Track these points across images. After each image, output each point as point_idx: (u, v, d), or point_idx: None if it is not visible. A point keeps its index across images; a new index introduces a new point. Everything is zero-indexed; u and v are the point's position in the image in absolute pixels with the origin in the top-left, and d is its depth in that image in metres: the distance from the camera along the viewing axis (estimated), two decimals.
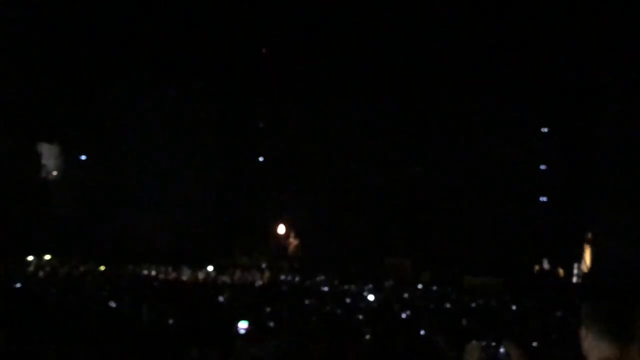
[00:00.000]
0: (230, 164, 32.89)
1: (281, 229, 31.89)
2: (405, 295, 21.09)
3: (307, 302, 15.44)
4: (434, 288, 24.53)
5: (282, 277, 26.63)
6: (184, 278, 24.41)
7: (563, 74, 28.72)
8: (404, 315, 13.23)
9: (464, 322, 12.89)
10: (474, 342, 5.15)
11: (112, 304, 11.68)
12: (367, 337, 9.78)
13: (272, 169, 33.61)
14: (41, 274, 20.65)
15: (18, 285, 15.17)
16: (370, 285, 24.15)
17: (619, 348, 2.83)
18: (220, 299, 14.54)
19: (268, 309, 12.02)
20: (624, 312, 2.88)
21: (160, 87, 30.40)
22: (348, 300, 17.45)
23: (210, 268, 26.44)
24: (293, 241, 31.55)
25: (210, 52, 29.77)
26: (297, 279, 25.97)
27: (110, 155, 31.36)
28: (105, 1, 28.28)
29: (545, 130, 32.20)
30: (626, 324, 2.86)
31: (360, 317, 11.87)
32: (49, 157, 30.82)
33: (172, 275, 24.65)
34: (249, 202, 32.95)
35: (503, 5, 27.33)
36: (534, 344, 9.64)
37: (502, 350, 4.40)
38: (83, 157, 32.10)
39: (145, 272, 24.69)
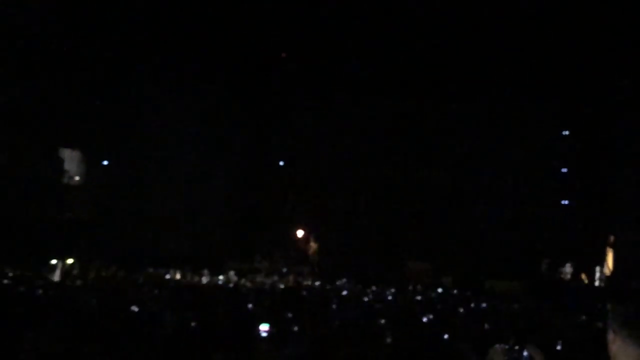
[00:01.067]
0: (250, 168, 32.93)
1: (300, 233, 31.88)
2: (425, 298, 21.02)
3: (328, 306, 15.43)
4: (455, 292, 24.45)
5: (304, 281, 26.66)
6: (206, 282, 24.54)
7: (585, 75, 28.49)
8: (425, 320, 13.18)
9: (486, 326, 12.83)
10: (497, 345, 5.12)
11: (135, 309, 11.73)
12: (389, 341, 9.74)
13: (292, 172, 33.60)
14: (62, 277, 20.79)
15: (39, 290, 15.28)
16: (393, 290, 24.12)
17: None
18: (245, 303, 14.56)
19: (290, 314, 12.03)
20: None
21: (181, 92, 30.52)
22: (369, 304, 17.42)
23: (232, 272, 26.55)
24: (313, 245, 31.53)
25: (232, 56, 29.85)
26: (318, 283, 25.99)
27: (131, 160, 31.51)
28: (128, 5, 28.40)
29: (566, 132, 31.95)
30: None
31: (382, 321, 11.82)
32: (71, 162, 31.04)
33: (194, 279, 24.79)
34: (269, 206, 32.96)
35: (525, 4, 27.14)
36: (558, 347, 9.56)
37: (525, 354, 4.38)
38: (105, 162, 32.30)
39: (168, 276, 24.84)
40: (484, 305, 19.71)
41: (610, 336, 2.88)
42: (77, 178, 31.29)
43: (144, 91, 30.71)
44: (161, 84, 30.29)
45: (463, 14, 27.81)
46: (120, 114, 31.11)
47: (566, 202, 31.77)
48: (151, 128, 30.85)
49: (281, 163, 34.05)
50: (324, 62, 30.61)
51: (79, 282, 19.62)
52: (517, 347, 4.66)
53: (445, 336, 10.47)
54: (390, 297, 20.91)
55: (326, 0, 28.66)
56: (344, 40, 29.60)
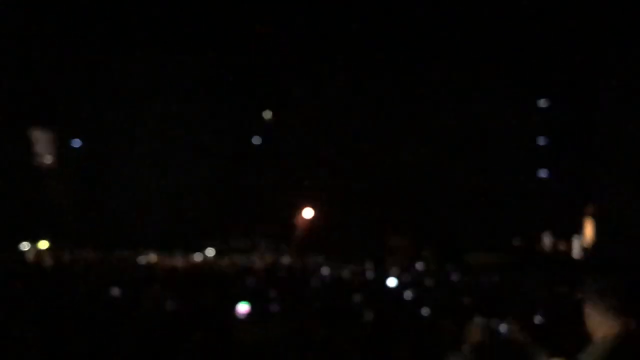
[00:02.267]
0: (227, 145, 32.74)
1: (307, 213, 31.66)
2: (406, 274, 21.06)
3: (307, 284, 15.39)
4: (436, 267, 24.56)
5: (282, 259, 26.61)
6: (183, 263, 24.38)
7: (564, 44, 28.47)
8: (406, 296, 13.18)
9: (466, 300, 12.85)
10: (475, 319, 5.07)
11: (111, 291, 11.59)
12: (368, 318, 9.71)
13: (270, 150, 33.47)
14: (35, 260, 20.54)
15: (15, 273, 15.08)
16: (372, 265, 24.17)
17: (625, 324, 2.82)
18: (223, 283, 14.47)
19: (269, 293, 11.96)
20: (629, 288, 2.87)
21: (155, 71, 30.16)
22: (348, 282, 17.41)
23: (210, 252, 26.44)
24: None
25: (207, 36, 29.52)
26: (296, 261, 25.95)
27: (104, 141, 31.18)
28: None
29: (544, 102, 32.02)
30: (632, 299, 2.85)
31: (361, 298, 11.78)
32: (43, 143, 30.64)
33: (171, 260, 24.62)
34: (247, 184, 32.83)
35: None
36: (537, 320, 9.57)
37: (504, 327, 4.41)
38: (77, 144, 31.93)
39: (143, 257, 24.63)
40: (463, 278, 19.82)
41: (588, 308, 2.93)
42: (49, 159, 30.90)
43: (116, 70, 30.31)
44: (134, 63, 29.91)
45: None
46: (93, 94, 30.69)
47: (544, 172, 31.93)
48: (124, 108, 30.52)
49: (259, 141, 33.87)
50: (299, 37, 30.36)
51: (52, 264, 19.37)
52: (496, 321, 4.67)
53: (424, 311, 10.47)
54: (370, 274, 20.91)
55: None
56: (324, 17, 29.36)
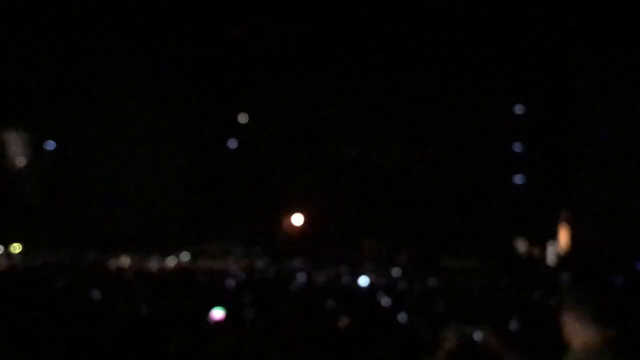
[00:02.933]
0: (202, 147, 32.58)
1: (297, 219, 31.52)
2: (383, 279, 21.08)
3: (282, 288, 15.33)
4: (411, 271, 24.57)
5: (257, 264, 26.50)
6: (157, 266, 24.20)
7: (539, 50, 28.67)
8: (381, 301, 13.17)
9: (441, 305, 12.86)
10: (451, 326, 5.03)
11: (84, 295, 11.45)
12: (344, 322, 9.66)
13: (246, 153, 33.35)
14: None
15: None
16: (347, 269, 24.15)
17: (600, 332, 2.82)
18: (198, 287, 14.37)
19: (244, 297, 11.89)
20: (605, 294, 2.88)
21: (130, 71, 29.95)
22: (324, 286, 17.38)
23: (184, 255, 26.26)
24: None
25: (182, 34, 29.35)
26: (271, 264, 25.87)
27: (78, 143, 30.88)
28: None
29: (519, 108, 32.19)
30: (607, 307, 2.85)
31: (336, 302, 11.73)
32: (15, 144, 30.29)
33: (145, 263, 24.42)
34: (222, 186, 32.69)
35: None
36: (513, 326, 9.58)
37: (479, 334, 4.40)
38: (51, 145, 31.58)
39: (116, 260, 24.40)
40: (438, 283, 19.86)
41: (565, 316, 2.94)
42: (21, 161, 30.55)
43: (90, 69, 30.05)
44: (109, 62, 29.69)
45: None
46: (66, 94, 30.37)
47: (519, 178, 32.09)
48: (98, 108, 30.25)
49: (233, 143, 33.72)
50: (275, 39, 30.29)
51: (23, 267, 19.13)
52: (470, 328, 4.65)
53: (400, 316, 10.46)
54: (346, 278, 20.89)
55: None
56: (299, 19, 29.31)
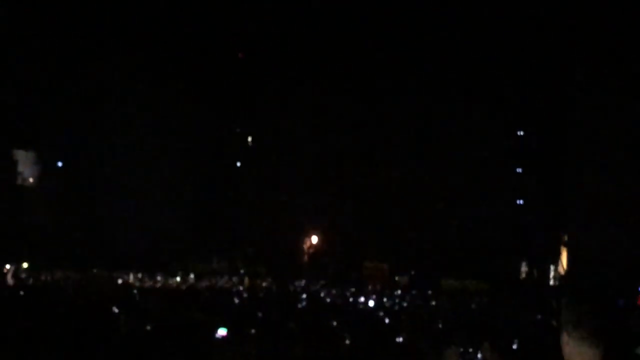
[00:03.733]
0: (208, 169, 32.74)
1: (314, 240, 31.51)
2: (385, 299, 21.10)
3: (286, 306, 15.39)
4: (413, 292, 24.60)
5: (261, 282, 26.54)
6: (162, 284, 24.28)
7: (538, 78, 28.92)
8: (383, 320, 13.24)
9: (443, 324, 12.93)
10: (452, 348, 5.18)
11: (90, 311, 11.55)
12: (347, 341, 9.75)
13: (250, 173, 33.49)
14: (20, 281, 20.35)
15: None
16: (353, 289, 24.19)
17: (600, 352, 2.76)
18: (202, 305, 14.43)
19: (248, 315, 11.97)
20: (604, 316, 2.83)
21: (138, 93, 30.18)
22: (329, 305, 17.44)
23: (190, 274, 26.30)
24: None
25: (188, 58, 29.62)
26: (276, 284, 25.90)
27: (87, 162, 31.06)
28: (85, 5, 27.94)
29: (520, 133, 32.36)
30: (607, 327, 2.81)
31: (335, 322, 11.81)
32: (25, 164, 30.46)
33: (151, 281, 24.51)
34: (227, 207, 32.81)
35: (479, 9, 27.44)
36: (514, 346, 9.67)
37: (479, 356, 4.42)
38: (59, 164, 31.78)
39: (123, 278, 24.49)
40: (440, 304, 19.87)
41: (564, 337, 2.85)
42: (31, 180, 30.73)
43: (99, 92, 30.32)
44: (117, 85, 29.95)
45: (425, 17, 28.03)
46: (76, 115, 30.64)
47: (521, 201, 32.18)
48: (107, 129, 30.49)
49: (238, 164, 33.89)
50: (284, 59, 30.52)
51: (33, 285, 19.24)
52: (471, 350, 4.71)
53: (401, 337, 10.53)
54: (349, 298, 20.94)
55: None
56: (308, 38, 29.57)
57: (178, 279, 25.69)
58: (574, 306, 2.84)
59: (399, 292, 25.14)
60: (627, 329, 2.78)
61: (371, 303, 16.01)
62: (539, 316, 15.54)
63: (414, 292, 24.88)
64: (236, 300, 16.56)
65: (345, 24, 28.70)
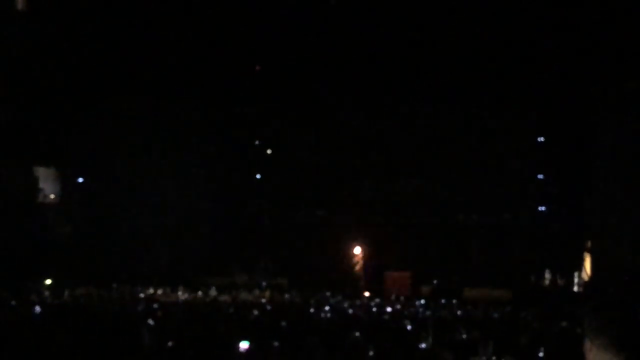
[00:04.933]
0: (228, 181, 32.86)
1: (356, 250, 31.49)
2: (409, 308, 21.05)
3: (308, 319, 15.42)
4: (437, 301, 24.51)
5: (283, 295, 26.57)
6: (184, 298, 24.39)
7: (560, 81, 28.77)
8: (408, 328, 13.22)
9: (465, 335, 12.88)
10: (475, 358, 5.16)
11: (113, 326, 11.63)
12: (370, 353, 9.74)
13: (269, 185, 33.56)
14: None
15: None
16: (378, 300, 24.17)
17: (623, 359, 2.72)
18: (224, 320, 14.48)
19: (270, 328, 12.00)
20: (628, 323, 2.77)
21: (157, 106, 30.40)
22: (350, 316, 17.43)
23: (212, 289, 26.40)
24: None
25: (206, 69, 29.77)
26: (298, 296, 25.93)
27: (107, 177, 31.29)
28: (100, 22, 28.23)
29: (541, 139, 32.19)
30: (631, 334, 2.75)
31: (358, 333, 11.79)
32: (46, 180, 30.74)
33: (173, 296, 24.63)
34: (247, 219, 32.90)
35: (495, 11, 27.38)
36: (539, 354, 9.59)
37: None
38: (80, 180, 32.03)
39: (145, 293, 24.64)
40: (463, 313, 19.80)
41: (587, 345, 2.82)
42: (52, 197, 30.99)
43: (118, 107, 30.55)
44: (136, 98, 30.18)
45: (438, 19, 27.99)
46: (96, 131, 30.89)
47: (543, 208, 31.97)
48: (126, 144, 30.68)
49: (258, 176, 33.99)
50: (295, 73, 30.61)
51: (55, 302, 19.42)
52: (494, 359, 4.70)
53: (423, 345, 10.50)
54: (372, 309, 20.93)
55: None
56: (318, 51, 29.65)
57: (200, 293, 25.79)
58: (597, 313, 2.81)
59: (423, 301, 25.07)
60: None
61: (391, 311, 15.97)
62: (563, 324, 15.43)
63: (438, 301, 24.79)
64: (256, 313, 16.60)
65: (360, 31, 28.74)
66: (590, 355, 2.82)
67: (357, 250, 31.08)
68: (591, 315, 2.85)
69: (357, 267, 30.69)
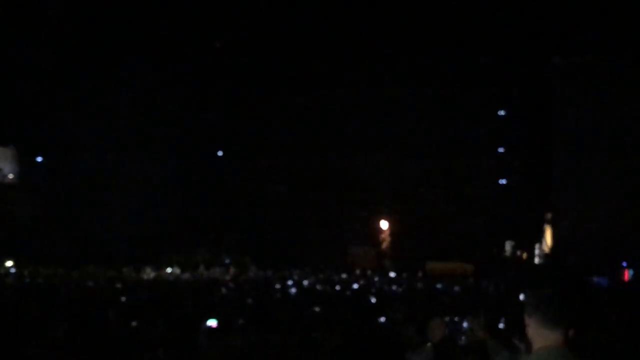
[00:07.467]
0: (190, 159, 32.66)
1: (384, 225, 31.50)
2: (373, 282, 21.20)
3: (273, 295, 15.46)
4: (401, 275, 24.75)
5: (247, 272, 26.60)
6: (148, 277, 24.27)
7: (521, 56, 29.02)
8: (373, 301, 13.35)
9: (428, 306, 13.03)
10: (436, 318, 5.24)
11: (75, 308, 11.54)
12: (334, 326, 9.80)
13: (232, 163, 33.46)
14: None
15: None
16: (344, 275, 24.29)
17: (560, 334, 2.92)
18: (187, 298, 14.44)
19: (235, 305, 12.00)
20: (563, 299, 2.95)
21: (118, 86, 30.01)
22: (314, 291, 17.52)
23: (175, 267, 26.31)
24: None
25: (167, 49, 29.48)
26: (261, 272, 25.97)
27: (67, 156, 30.88)
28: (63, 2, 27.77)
29: (502, 112, 32.47)
30: (565, 310, 2.94)
31: (327, 307, 11.87)
32: (5, 160, 30.25)
33: (137, 275, 24.48)
34: (210, 198, 32.79)
35: None
36: (501, 325, 9.75)
37: (465, 324, 4.48)
38: (39, 159, 31.57)
39: (109, 274, 24.43)
40: (425, 286, 20.01)
41: (526, 320, 2.99)
42: (11, 176, 30.52)
43: (78, 86, 30.10)
44: (97, 78, 29.76)
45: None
46: (55, 110, 30.42)
47: (504, 181, 32.33)
48: (87, 124, 30.30)
49: (220, 153, 33.85)
50: (262, 49, 30.48)
51: (15, 282, 19.19)
52: (457, 319, 4.76)
53: (383, 318, 10.62)
54: (335, 283, 21.03)
55: None
56: (282, 32, 29.55)
57: (169, 270, 25.71)
58: (534, 291, 2.93)
59: (393, 274, 25.32)
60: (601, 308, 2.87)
61: (356, 286, 16.09)
62: (522, 295, 15.65)
63: (398, 275, 25.04)
64: (223, 291, 16.59)
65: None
66: (529, 330, 2.98)
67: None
68: (529, 293, 2.97)
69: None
